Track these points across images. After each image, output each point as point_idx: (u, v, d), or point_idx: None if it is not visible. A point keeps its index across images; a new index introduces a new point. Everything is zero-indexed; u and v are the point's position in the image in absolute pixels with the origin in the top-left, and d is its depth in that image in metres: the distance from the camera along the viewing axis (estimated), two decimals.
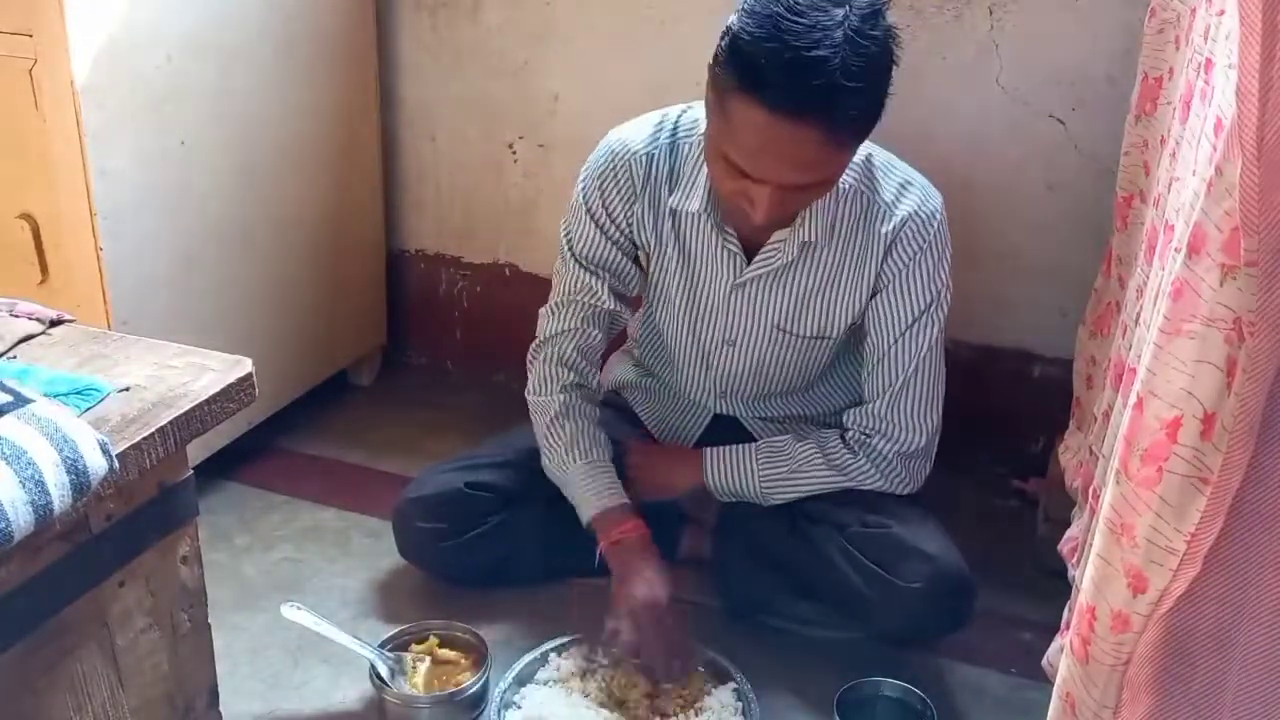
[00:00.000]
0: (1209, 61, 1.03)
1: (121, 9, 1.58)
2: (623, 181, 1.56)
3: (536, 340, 1.66)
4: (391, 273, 2.33)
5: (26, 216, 1.65)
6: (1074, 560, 1.43)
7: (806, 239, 1.51)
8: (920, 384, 1.56)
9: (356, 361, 2.29)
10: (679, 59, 1.99)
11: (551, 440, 1.61)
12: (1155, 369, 0.87)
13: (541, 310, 1.67)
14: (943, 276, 1.55)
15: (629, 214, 1.58)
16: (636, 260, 1.63)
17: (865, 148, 1.50)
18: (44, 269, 1.67)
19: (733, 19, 1.31)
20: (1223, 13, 0.97)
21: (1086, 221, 1.86)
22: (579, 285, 1.61)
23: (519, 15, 2.08)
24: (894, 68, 1.32)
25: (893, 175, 1.53)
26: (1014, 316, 2.00)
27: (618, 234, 1.60)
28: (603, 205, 1.58)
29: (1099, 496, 1.19)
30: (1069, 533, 1.51)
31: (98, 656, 1.02)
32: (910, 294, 1.54)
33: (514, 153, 2.19)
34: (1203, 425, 0.82)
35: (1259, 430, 0.79)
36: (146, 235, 1.70)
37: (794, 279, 1.56)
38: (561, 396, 1.61)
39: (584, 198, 1.59)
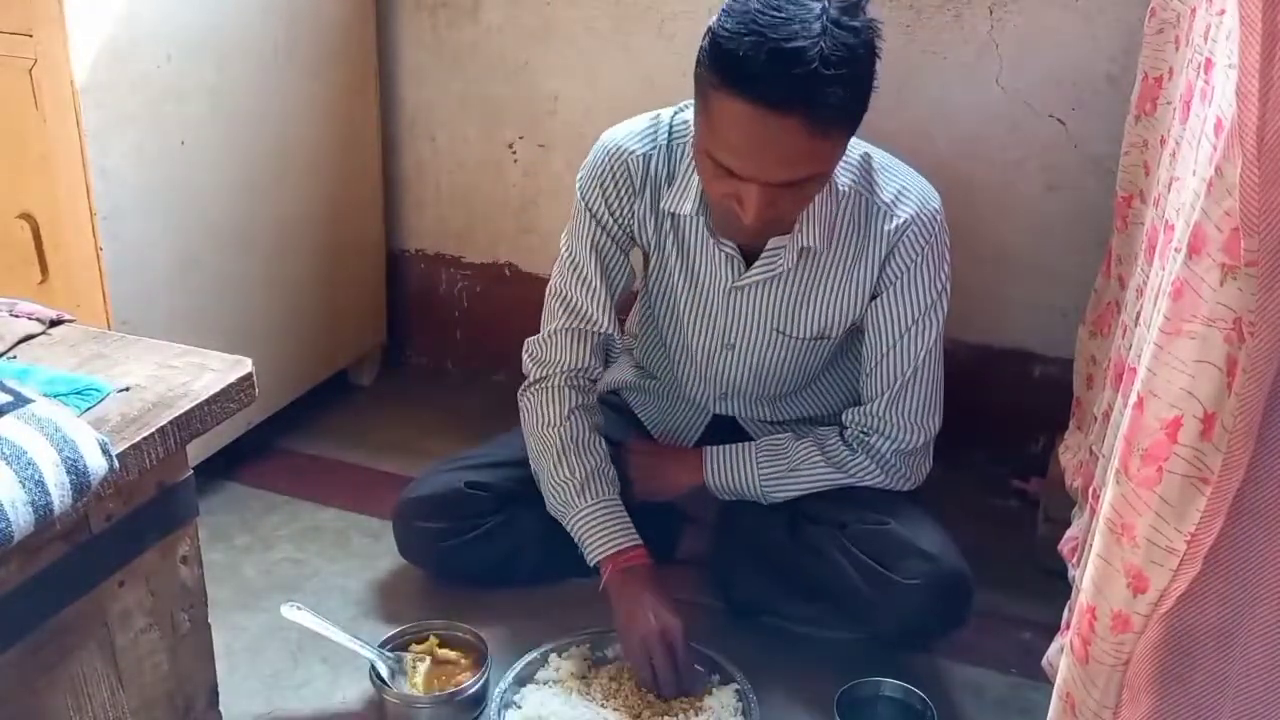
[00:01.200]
0: (1209, 61, 1.03)
1: (121, 9, 1.58)
2: (621, 181, 1.56)
3: (529, 379, 1.64)
4: (391, 273, 2.33)
5: (26, 216, 1.65)
6: (1074, 560, 1.43)
7: (806, 244, 1.51)
8: (920, 385, 1.56)
9: (356, 361, 2.29)
10: (679, 59, 1.99)
11: (557, 479, 1.58)
12: (1155, 369, 0.87)
13: (529, 341, 1.65)
14: (943, 278, 1.54)
15: (630, 211, 1.58)
16: (630, 256, 1.63)
17: (862, 147, 1.50)
18: (44, 269, 1.67)
19: (713, 19, 1.32)
20: (1223, 12, 0.97)
21: (1086, 221, 1.86)
22: (575, 310, 1.60)
23: (519, 15, 2.08)
24: (877, 60, 1.33)
25: (892, 176, 1.53)
26: (1014, 316, 2.00)
27: (619, 232, 1.59)
28: (604, 203, 1.57)
29: (1099, 496, 1.19)
30: (1069, 533, 1.51)
31: (98, 656, 1.02)
32: (911, 296, 1.53)
33: (514, 153, 2.19)
34: (1203, 425, 0.82)
35: (1259, 430, 0.79)
36: (146, 235, 1.70)
37: (793, 282, 1.55)
38: (564, 430, 1.59)
39: (584, 198, 1.59)
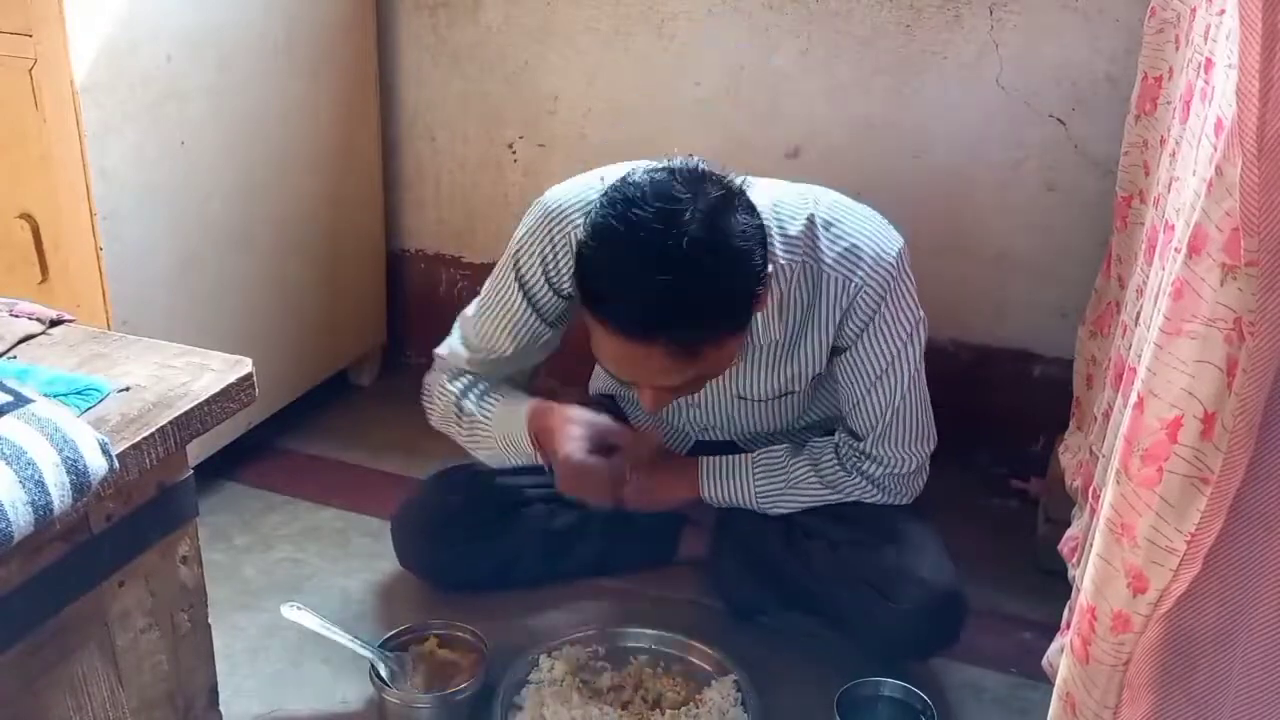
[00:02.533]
0: (1209, 61, 1.03)
1: (121, 9, 1.58)
2: (561, 249, 1.49)
3: (428, 375, 1.66)
4: (391, 273, 2.33)
5: (26, 216, 1.65)
6: (1074, 560, 1.43)
7: (753, 337, 1.47)
8: (905, 419, 1.52)
9: (356, 361, 2.29)
10: (679, 59, 1.99)
11: (464, 424, 1.59)
12: (1155, 369, 0.87)
13: (443, 345, 1.65)
14: (909, 322, 1.48)
15: (570, 279, 1.49)
16: (559, 322, 1.59)
17: (808, 207, 1.45)
18: (44, 269, 1.67)
19: (584, 225, 1.28)
20: (1223, 12, 0.97)
21: (1086, 221, 1.86)
22: (473, 361, 1.61)
23: (519, 15, 2.08)
24: (760, 250, 1.29)
25: (839, 234, 1.45)
26: (1014, 316, 2.00)
27: (550, 302, 1.54)
28: (541, 273, 1.51)
29: (1099, 496, 1.19)
30: (1069, 533, 1.51)
31: (98, 656, 1.02)
32: (877, 348, 1.49)
33: (514, 152, 2.19)
34: (1203, 425, 0.82)
35: (1259, 430, 0.79)
36: (146, 235, 1.70)
37: (748, 357, 1.53)
38: (455, 396, 1.60)
39: (516, 266, 1.53)
